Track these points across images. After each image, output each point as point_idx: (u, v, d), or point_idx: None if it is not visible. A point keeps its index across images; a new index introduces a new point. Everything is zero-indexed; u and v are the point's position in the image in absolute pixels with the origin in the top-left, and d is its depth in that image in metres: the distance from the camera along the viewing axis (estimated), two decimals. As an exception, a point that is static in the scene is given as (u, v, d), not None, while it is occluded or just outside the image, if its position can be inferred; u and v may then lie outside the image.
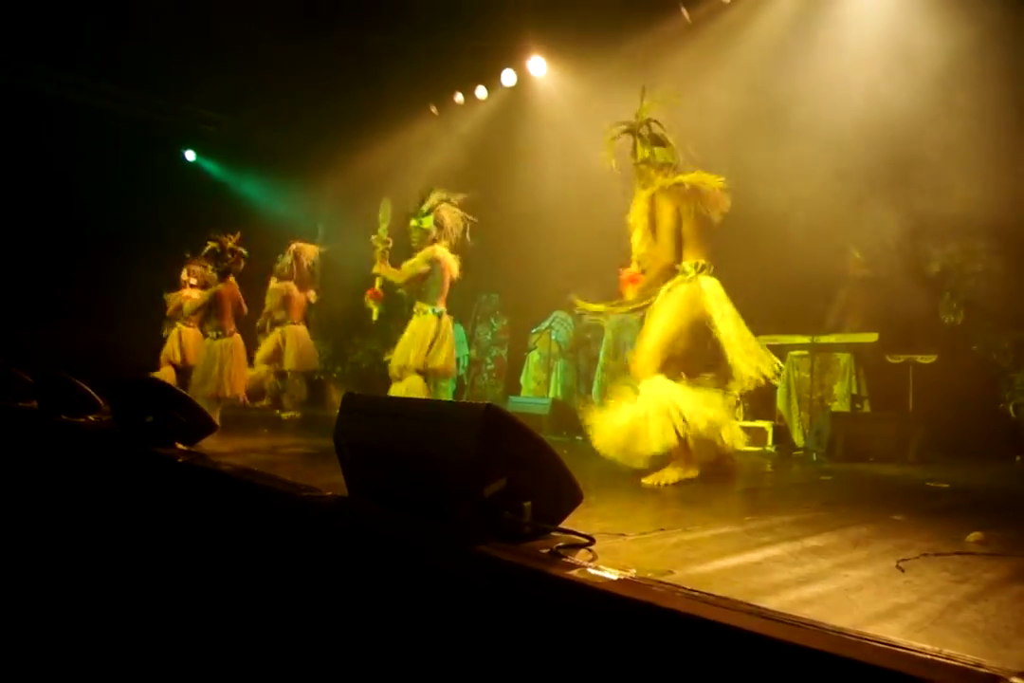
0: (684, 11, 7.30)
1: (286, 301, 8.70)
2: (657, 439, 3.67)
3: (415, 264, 6.09)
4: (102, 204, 9.41)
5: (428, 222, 6.09)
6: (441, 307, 6.19)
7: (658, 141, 4.26)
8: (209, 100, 10.25)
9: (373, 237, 6.52)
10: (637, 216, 4.32)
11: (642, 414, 3.74)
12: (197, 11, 7.70)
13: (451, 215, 6.18)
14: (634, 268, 4.32)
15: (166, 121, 10.66)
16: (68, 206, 9.58)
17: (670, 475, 3.78)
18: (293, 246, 8.83)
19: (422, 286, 6.18)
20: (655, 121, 4.29)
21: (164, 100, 10.31)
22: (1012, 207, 5.43)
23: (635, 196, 4.40)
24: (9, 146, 8.86)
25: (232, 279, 7.13)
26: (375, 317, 6.82)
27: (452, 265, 6.15)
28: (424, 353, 6.01)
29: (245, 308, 7.25)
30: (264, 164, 11.55)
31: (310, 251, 8.89)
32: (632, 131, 4.33)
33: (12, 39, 8.66)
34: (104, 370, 7.63)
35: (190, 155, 11.84)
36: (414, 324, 6.19)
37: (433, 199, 6.15)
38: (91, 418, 5.71)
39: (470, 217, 6.25)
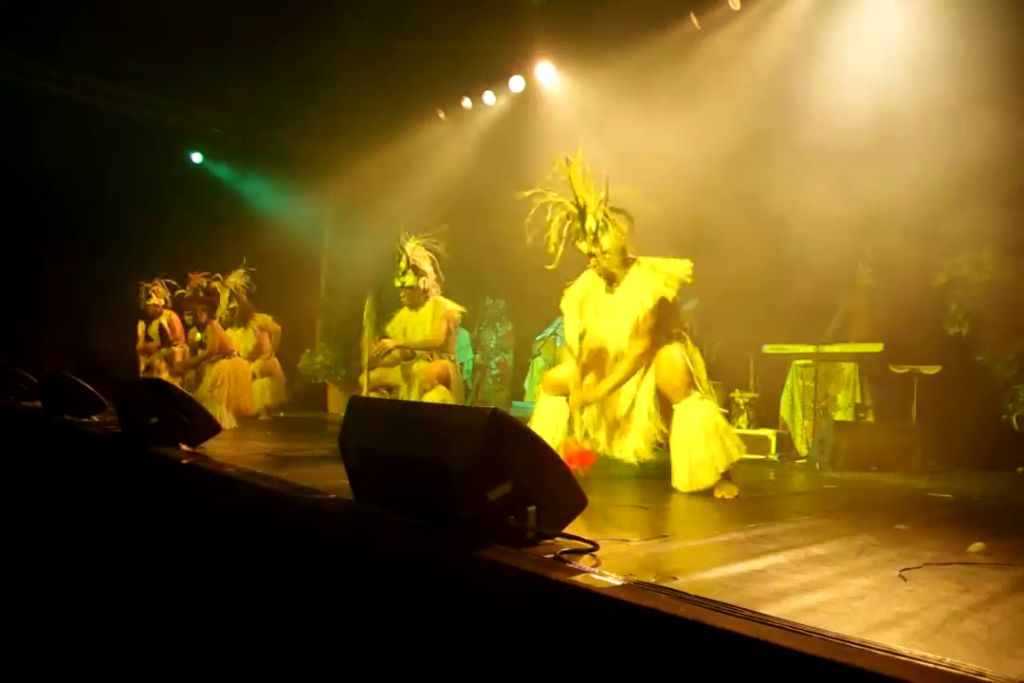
0: (693, 18, 7.31)
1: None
2: (712, 467, 3.67)
3: (437, 330, 5.71)
4: (108, 205, 9.42)
5: (411, 279, 5.77)
6: (455, 356, 5.92)
7: (604, 227, 3.94)
8: (216, 102, 10.24)
9: (366, 348, 5.90)
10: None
11: (689, 442, 3.73)
12: (205, 12, 7.70)
13: (422, 254, 5.84)
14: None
15: (173, 123, 10.66)
16: (73, 206, 9.59)
17: (732, 489, 3.74)
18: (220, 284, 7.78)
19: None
20: (604, 207, 3.94)
21: (171, 101, 10.31)
22: (1019, 218, 5.42)
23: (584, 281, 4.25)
24: (16, 147, 8.87)
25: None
26: None
27: (455, 313, 5.86)
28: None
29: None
30: (270, 167, 11.55)
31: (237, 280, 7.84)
32: (573, 217, 3.98)
33: (19, 38, 8.69)
34: (108, 371, 7.66)
35: (196, 157, 11.85)
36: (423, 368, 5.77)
37: (408, 250, 5.79)
38: (95, 418, 5.72)
39: (436, 250, 5.88)
